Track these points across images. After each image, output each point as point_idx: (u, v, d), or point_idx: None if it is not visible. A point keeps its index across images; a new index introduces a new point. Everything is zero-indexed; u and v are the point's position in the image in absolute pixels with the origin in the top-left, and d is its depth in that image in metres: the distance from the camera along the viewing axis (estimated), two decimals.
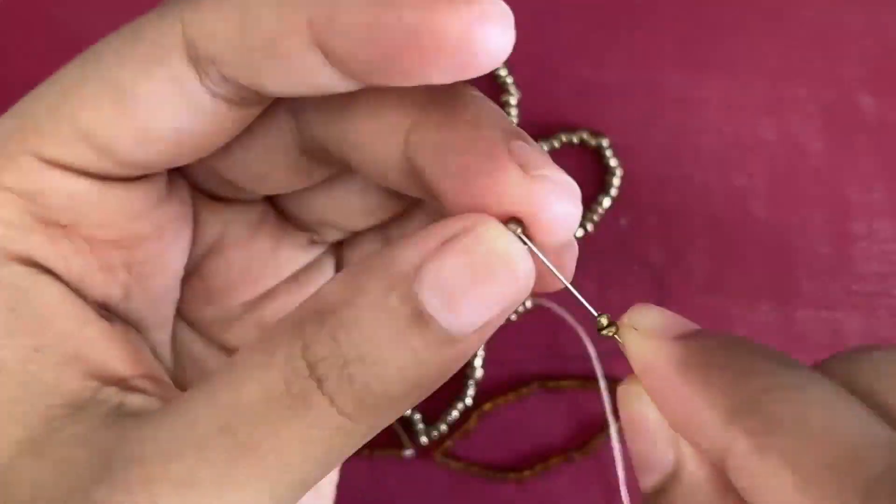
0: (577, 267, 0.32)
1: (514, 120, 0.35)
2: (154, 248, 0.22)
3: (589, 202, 0.35)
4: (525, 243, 0.18)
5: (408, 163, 0.19)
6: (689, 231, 0.35)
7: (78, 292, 0.20)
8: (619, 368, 0.33)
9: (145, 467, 0.18)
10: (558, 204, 0.17)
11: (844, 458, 0.15)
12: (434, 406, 0.36)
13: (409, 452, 0.36)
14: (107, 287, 0.21)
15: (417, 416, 0.36)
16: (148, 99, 0.20)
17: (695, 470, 0.18)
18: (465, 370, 0.36)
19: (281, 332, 0.18)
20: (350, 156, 0.20)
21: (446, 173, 0.18)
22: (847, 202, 0.35)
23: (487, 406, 0.36)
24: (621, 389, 0.19)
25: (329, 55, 0.18)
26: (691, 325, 0.19)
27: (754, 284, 0.35)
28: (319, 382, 0.17)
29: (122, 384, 0.20)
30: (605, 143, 0.34)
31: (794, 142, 0.35)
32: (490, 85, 0.35)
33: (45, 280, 0.20)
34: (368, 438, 0.18)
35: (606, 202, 0.34)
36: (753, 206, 0.35)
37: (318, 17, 0.18)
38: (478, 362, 0.35)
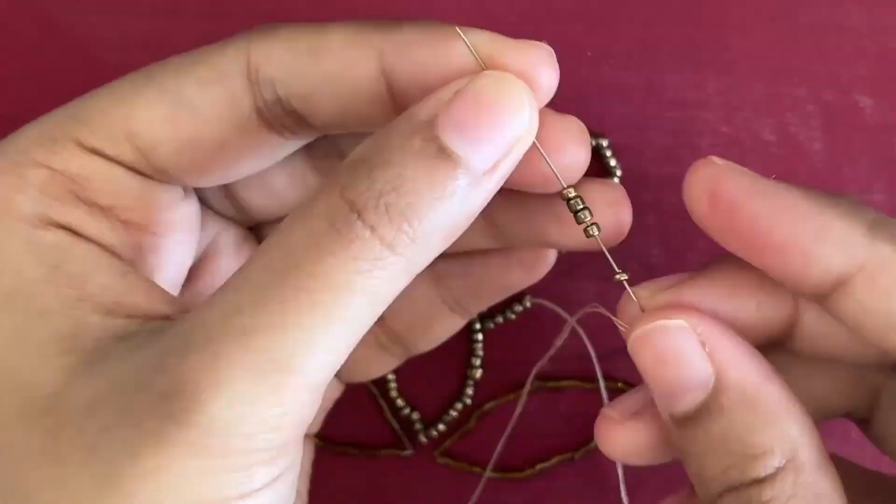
0: (576, 267, 0.32)
1: None
2: (174, 239, 0.24)
3: None
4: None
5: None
6: (689, 231, 0.35)
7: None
8: (619, 369, 0.33)
9: (206, 329, 0.18)
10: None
11: None
12: (433, 406, 0.36)
13: (408, 452, 0.36)
14: (134, 264, 0.23)
15: (416, 416, 0.36)
16: (201, 111, 0.21)
17: (741, 370, 0.20)
18: (466, 370, 0.36)
19: (320, 187, 0.19)
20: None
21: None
22: None
23: (488, 406, 0.36)
24: (642, 329, 0.21)
25: (394, 84, 0.21)
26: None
27: None
28: (360, 214, 0.18)
29: (167, 319, 0.21)
30: (604, 143, 0.34)
31: (793, 142, 0.35)
32: None
33: (84, 243, 0.21)
34: (409, 278, 0.20)
35: None
36: None
37: (388, 49, 0.21)
38: (477, 362, 0.35)
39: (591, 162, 0.36)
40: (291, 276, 0.18)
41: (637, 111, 0.35)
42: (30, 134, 0.22)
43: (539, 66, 0.22)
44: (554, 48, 0.35)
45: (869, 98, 0.34)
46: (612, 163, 0.34)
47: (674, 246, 0.35)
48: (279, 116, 0.22)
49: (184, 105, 0.22)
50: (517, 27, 0.35)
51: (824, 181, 0.35)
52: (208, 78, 0.22)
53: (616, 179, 0.35)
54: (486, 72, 0.20)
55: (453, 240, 0.20)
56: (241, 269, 0.19)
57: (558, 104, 0.35)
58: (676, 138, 0.35)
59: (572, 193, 0.22)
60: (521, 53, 0.21)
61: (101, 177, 0.22)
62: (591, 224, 0.23)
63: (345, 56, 0.21)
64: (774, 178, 0.21)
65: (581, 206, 0.23)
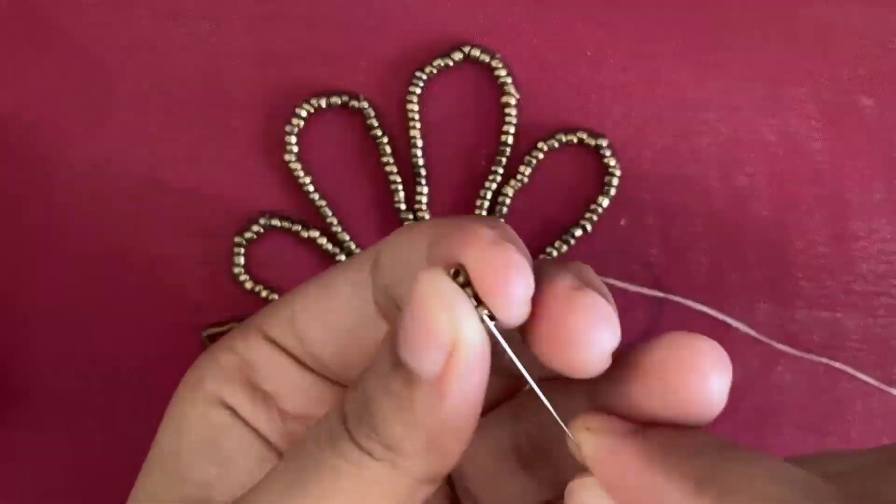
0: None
1: (514, 121, 0.35)
2: None
3: (588, 203, 0.35)
4: (481, 311, 0.19)
5: None
6: (689, 231, 0.35)
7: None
8: None
9: None
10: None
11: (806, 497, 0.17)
12: None
13: None
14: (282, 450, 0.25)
15: None
16: (338, 292, 0.23)
17: None
18: None
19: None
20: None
21: None
22: (847, 202, 0.35)
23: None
24: (574, 485, 0.20)
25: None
26: (631, 424, 0.20)
27: (754, 284, 0.35)
28: (345, 422, 0.20)
29: None
30: (604, 143, 0.34)
31: (793, 142, 0.35)
32: (490, 85, 0.35)
33: (241, 427, 0.24)
34: (409, 486, 0.20)
35: (606, 202, 0.34)
36: (753, 205, 0.35)
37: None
38: None
39: (590, 162, 0.36)
40: (296, 477, 0.20)
41: (637, 111, 0.35)
42: (248, 320, 0.25)
43: (502, 286, 0.19)
44: (554, 48, 0.35)
45: (869, 98, 0.34)
46: (612, 163, 0.34)
47: (674, 246, 0.35)
48: (391, 309, 0.23)
49: (326, 288, 0.23)
50: (517, 27, 0.35)
51: (824, 181, 0.35)
52: (347, 266, 0.23)
53: (615, 180, 0.34)
54: (417, 276, 0.19)
55: (448, 448, 0.20)
56: (260, 482, 0.21)
57: (558, 104, 0.35)
58: (676, 138, 0.35)
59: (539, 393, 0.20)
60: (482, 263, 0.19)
61: (269, 364, 0.24)
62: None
63: (416, 248, 0.21)
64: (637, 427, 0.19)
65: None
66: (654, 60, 0.35)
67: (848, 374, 0.34)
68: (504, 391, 0.24)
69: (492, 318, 0.19)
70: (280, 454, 0.24)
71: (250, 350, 0.24)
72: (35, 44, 0.36)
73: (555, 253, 0.35)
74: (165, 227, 0.36)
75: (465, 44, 0.34)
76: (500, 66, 0.34)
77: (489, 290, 0.18)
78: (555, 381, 0.20)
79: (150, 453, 0.24)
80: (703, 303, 0.34)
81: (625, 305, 0.35)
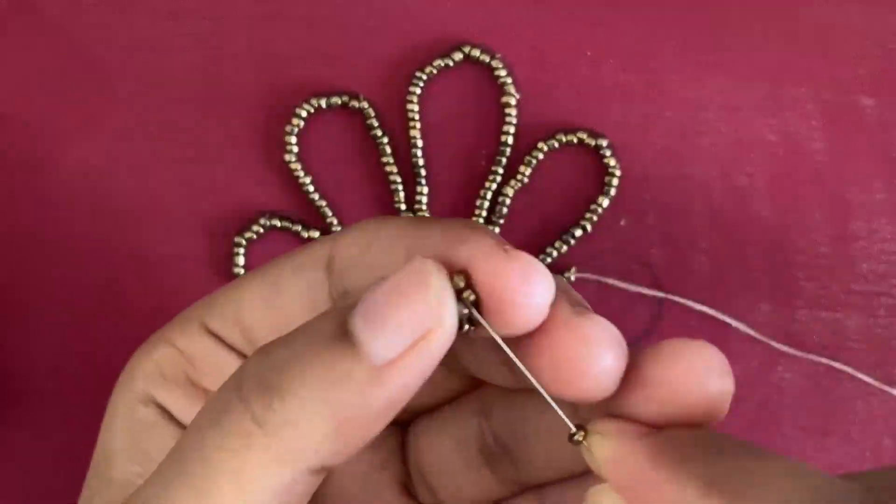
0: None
1: (514, 121, 0.35)
2: None
3: (588, 203, 0.35)
4: (465, 304, 0.18)
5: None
6: (689, 231, 0.35)
7: None
8: None
9: None
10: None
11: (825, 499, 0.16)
12: None
13: None
14: None
15: None
16: (291, 293, 0.22)
17: None
18: None
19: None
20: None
21: None
22: (847, 202, 0.35)
23: None
24: (591, 492, 0.19)
25: None
26: (644, 427, 0.19)
27: (754, 284, 0.35)
28: (240, 387, 0.18)
29: None
30: (604, 143, 0.34)
31: (793, 142, 0.35)
32: (490, 85, 0.35)
33: (169, 426, 0.23)
34: (283, 468, 0.18)
35: (606, 202, 0.34)
36: (753, 206, 0.35)
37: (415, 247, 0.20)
38: None
39: (590, 162, 0.36)
40: (183, 460, 0.18)
41: (637, 111, 0.35)
42: (186, 312, 0.24)
43: (520, 286, 0.18)
44: (554, 48, 0.35)
45: (869, 98, 0.34)
46: (612, 163, 0.34)
47: (674, 245, 0.35)
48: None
49: (276, 288, 0.22)
50: (517, 27, 0.35)
51: (825, 181, 0.35)
52: (298, 264, 0.22)
53: (616, 180, 0.34)
54: (412, 259, 0.18)
55: (355, 438, 0.18)
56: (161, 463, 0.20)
57: (558, 104, 0.35)
58: (676, 138, 0.35)
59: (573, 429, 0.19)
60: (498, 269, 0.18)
61: (210, 359, 0.23)
62: (578, 430, 0.19)
63: (388, 252, 0.20)
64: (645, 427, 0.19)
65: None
66: (654, 60, 0.35)
67: (848, 374, 0.34)
68: (464, 387, 0.23)
69: (473, 323, 0.18)
70: None
71: (190, 344, 0.23)
72: (35, 43, 0.36)
73: (555, 253, 0.35)
74: (165, 227, 0.36)
75: (465, 44, 0.34)
76: (500, 66, 0.34)
77: (507, 297, 0.17)
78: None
79: (93, 454, 0.23)
80: (703, 303, 0.34)
81: (625, 305, 0.35)
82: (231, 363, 0.23)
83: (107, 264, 0.36)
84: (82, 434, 0.36)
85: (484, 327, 0.18)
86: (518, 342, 0.18)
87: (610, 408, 0.19)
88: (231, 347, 0.23)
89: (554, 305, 0.18)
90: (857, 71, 0.34)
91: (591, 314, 0.18)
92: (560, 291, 0.18)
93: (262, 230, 0.35)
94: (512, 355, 0.18)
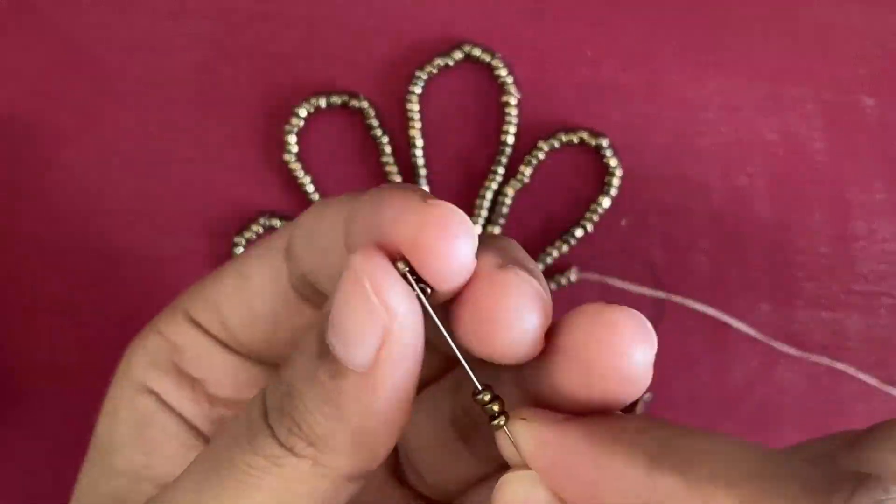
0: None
1: (514, 120, 0.35)
2: None
3: (589, 202, 0.35)
4: (414, 288, 0.17)
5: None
6: (690, 231, 0.35)
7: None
8: None
9: None
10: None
11: (774, 468, 0.16)
12: None
13: None
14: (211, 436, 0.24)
15: None
16: (254, 282, 0.22)
17: None
18: None
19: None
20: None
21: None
22: (847, 202, 0.35)
23: None
24: (506, 479, 0.18)
25: None
26: (564, 414, 0.18)
27: (754, 284, 0.35)
28: (266, 416, 0.19)
29: None
30: (605, 143, 0.34)
31: (794, 142, 0.35)
32: (490, 85, 0.35)
33: (165, 413, 0.23)
34: (331, 481, 0.18)
35: (606, 202, 0.34)
36: (754, 205, 0.35)
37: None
38: None
39: (591, 162, 0.36)
40: (211, 473, 0.19)
41: (637, 111, 0.35)
42: (174, 302, 0.24)
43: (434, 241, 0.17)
44: (554, 48, 0.35)
45: (870, 98, 0.34)
46: (613, 163, 0.34)
47: (675, 245, 0.35)
48: (310, 293, 0.22)
49: (243, 276, 0.23)
50: (517, 27, 0.35)
51: (825, 181, 0.35)
52: (261, 253, 0.23)
53: (616, 180, 0.34)
54: (350, 256, 0.18)
55: (376, 442, 0.18)
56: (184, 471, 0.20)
57: (558, 104, 0.35)
58: (676, 138, 0.35)
59: (496, 409, 0.18)
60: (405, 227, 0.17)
61: (195, 348, 0.23)
62: (499, 415, 0.19)
63: (332, 230, 0.20)
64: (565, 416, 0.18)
65: (492, 407, 0.19)
66: (654, 60, 0.35)
67: (848, 374, 0.34)
68: (445, 365, 0.22)
69: (425, 292, 0.17)
70: (208, 441, 0.24)
71: (176, 333, 0.23)
72: (35, 43, 0.36)
73: (556, 253, 0.35)
74: (165, 227, 0.36)
75: (465, 43, 0.34)
76: (500, 65, 0.34)
77: (428, 247, 0.17)
78: (487, 367, 0.18)
79: (90, 445, 0.24)
80: (703, 303, 0.34)
81: (625, 306, 0.35)
82: (213, 350, 0.23)
83: (106, 264, 0.36)
84: (82, 434, 0.36)
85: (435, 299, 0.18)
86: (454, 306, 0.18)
87: (534, 383, 0.18)
88: (213, 336, 0.23)
89: (480, 260, 0.18)
90: (857, 71, 0.34)
91: (515, 268, 0.18)
92: (495, 248, 0.18)
93: (261, 230, 0.35)
94: (429, 307, 0.18)
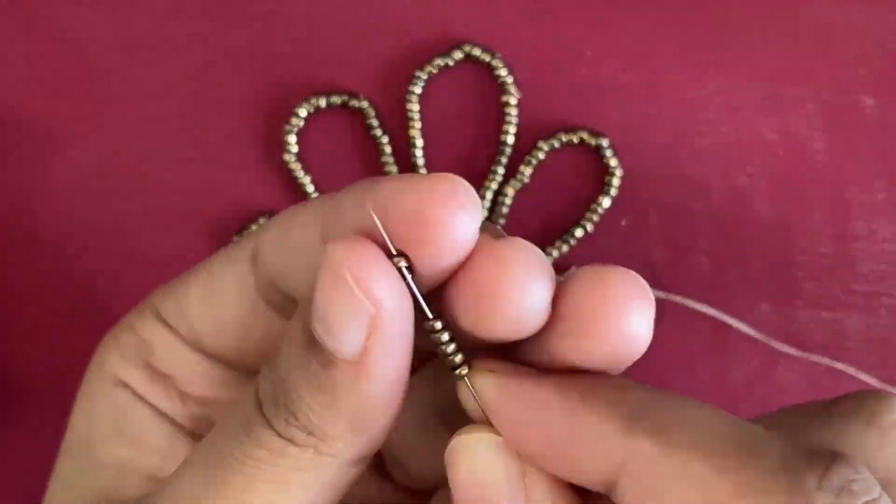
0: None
1: (514, 120, 0.35)
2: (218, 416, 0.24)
3: (589, 202, 0.35)
4: (401, 272, 0.17)
5: None
6: (690, 231, 0.35)
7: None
8: None
9: None
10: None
11: (749, 440, 0.16)
12: None
13: None
14: (194, 434, 0.24)
15: None
16: (220, 288, 0.22)
17: None
18: None
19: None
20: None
21: None
22: (847, 202, 0.35)
23: None
24: (457, 442, 0.18)
25: None
26: (533, 369, 0.18)
27: (754, 284, 0.35)
28: (261, 407, 0.19)
29: None
30: (605, 143, 0.34)
31: (794, 142, 0.35)
32: (490, 85, 0.35)
33: (143, 407, 0.23)
34: (334, 468, 0.19)
35: (606, 202, 0.34)
36: (754, 205, 0.35)
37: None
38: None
39: (591, 162, 0.36)
40: (210, 468, 0.19)
41: (637, 111, 0.35)
42: (146, 299, 0.24)
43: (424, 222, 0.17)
44: (554, 48, 0.35)
45: (870, 98, 0.34)
46: (613, 163, 0.34)
47: (675, 245, 0.35)
48: (278, 300, 0.22)
49: (209, 282, 0.22)
50: (517, 27, 0.35)
51: (825, 181, 0.35)
52: (226, 259, 0.22)
53: (616, 179, 0.34)
54: (328, 246, 0.17)
55: (374, 428, 0.18)
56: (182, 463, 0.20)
57: (558, 104, 0.35)
58: (676, 138, 0.35)
59: (438, 326, 0.18)
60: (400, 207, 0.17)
61: (165, 346, 0.23)
62: (461, 364, 0.18)
63: (306, 230, 0.20)
64: (533, 371, 0.18)
65: (446, 343, 0.18)
66: (654, 60, 0.35)
67: (849, 374, 0.34)
68: (427, 352, 0.21)
69: (409, 269, 0.17)
70: (188, 433, 0.23)
71: (146, 330, 0.23)
72: (35, 43, 0.36)
73: (556, 253, 0.35)
74: (165, 227, 0.36)
75: (465, 43, 0.34)
76: (500, 65, 0.34)
77: (435, 218, 0.16)
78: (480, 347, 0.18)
79: (64, 440, 0.23)
80: (703, 303, 0.34)
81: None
82: (181, 350, 0.23)
83: (107, 264, 0.36)
84: None
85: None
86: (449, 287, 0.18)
87: (523, 350, 0.18)
88: (180, 336, 0.23)
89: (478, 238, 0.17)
90: (857, 71, 0.34)
91: (515, 238, 0.17)
92: (489, 228, 0.18)
93: None
94: (412, 283, 0.17)
